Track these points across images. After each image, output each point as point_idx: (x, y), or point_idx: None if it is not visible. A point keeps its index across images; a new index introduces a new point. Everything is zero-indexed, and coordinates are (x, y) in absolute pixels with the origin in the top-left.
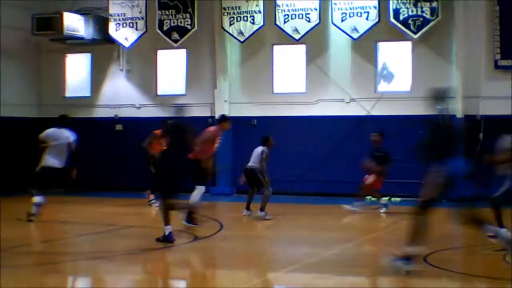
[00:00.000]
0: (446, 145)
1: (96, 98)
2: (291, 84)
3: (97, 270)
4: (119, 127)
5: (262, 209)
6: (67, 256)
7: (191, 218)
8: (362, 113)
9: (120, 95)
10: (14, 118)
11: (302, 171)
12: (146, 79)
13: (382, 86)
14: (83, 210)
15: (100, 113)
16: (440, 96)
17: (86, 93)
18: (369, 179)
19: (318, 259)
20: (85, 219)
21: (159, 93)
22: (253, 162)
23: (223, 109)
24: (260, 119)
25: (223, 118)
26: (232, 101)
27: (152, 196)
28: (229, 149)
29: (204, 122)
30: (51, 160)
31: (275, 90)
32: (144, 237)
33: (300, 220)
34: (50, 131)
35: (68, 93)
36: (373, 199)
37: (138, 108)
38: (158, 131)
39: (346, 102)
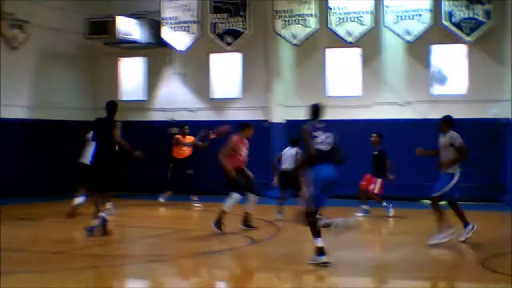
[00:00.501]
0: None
1: (152, 102)
2: (345, 87)
3: (154, 273)
4: (174, 130)
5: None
6: (125, 259)
7: (247, 222)
8: (417, 116)
9: (175, 99)
10: (68, 121)
11: (357, 174)
12: (200, 82)
13: (437, 89)
14: (139, 212)
15: (155, 116)
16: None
17: (141, 96)
18: (375, 184)
19: (377, 263)
20: (141, 221)
21: (213, 96)
22: (289, 164)
23: (277, 112)
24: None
25: (244, 125)
26: (286, 104)
27: (195, 197)
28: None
29: (259, 125)
30: None
31: (329, 93)
32: (200, 239)
33: (362, 224)
34: None
35: (123, 97)
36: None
37: (193, 111)
38: (179, 136)
39: (400, 105)
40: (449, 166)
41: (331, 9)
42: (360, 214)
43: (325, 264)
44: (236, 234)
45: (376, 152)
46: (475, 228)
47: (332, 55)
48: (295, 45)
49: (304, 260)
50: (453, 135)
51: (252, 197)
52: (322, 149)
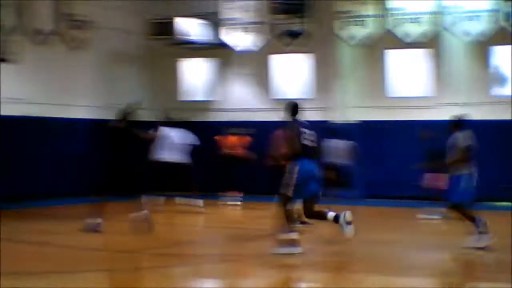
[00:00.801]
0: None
1: (212, 102)
2: (405, 88)
3: (228, 273)
4: (234, 130)
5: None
6: (200, 259)
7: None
8: (477, 117)
9: (236, 99)
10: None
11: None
12: (260, 83)
13: (497, 90)
14: (211, 212)
15: (216, 117)
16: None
17: (202, 97)
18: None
19: (451, 264)
20: (213, 221)
21: (273, 97)
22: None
23: (339, 113)
24: (376, 123)
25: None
26: (347, 105)
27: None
28: None
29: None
30: None
31: (390, 94)
32: (255, 240)
33: (432, 225)
34: None
35: (184, 97)
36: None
37: (254, 111)
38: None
39: (461, 106)
40: (452, 168)
41: (390, 10)
42: (432, 216)
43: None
44: (313, 234)
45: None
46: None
47: (393, 56)
48: (355, 46)
49: (383, 262)
50: (456, 136)
51: None
52: (308, 145)
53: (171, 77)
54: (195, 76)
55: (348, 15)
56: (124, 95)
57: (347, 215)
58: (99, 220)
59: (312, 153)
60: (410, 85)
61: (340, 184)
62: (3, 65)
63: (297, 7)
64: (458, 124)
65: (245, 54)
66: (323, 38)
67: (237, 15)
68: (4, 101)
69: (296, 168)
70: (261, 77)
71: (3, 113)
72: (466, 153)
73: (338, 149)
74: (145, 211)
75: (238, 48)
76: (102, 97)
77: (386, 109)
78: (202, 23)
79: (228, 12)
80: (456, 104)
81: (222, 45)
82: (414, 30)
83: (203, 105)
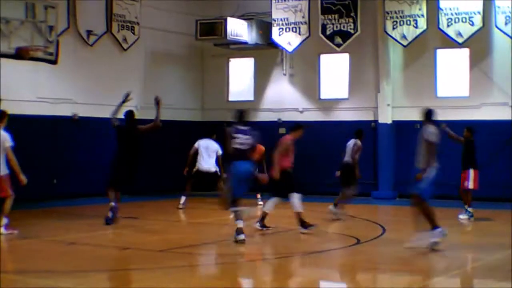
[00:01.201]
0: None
1: (260, 102)
2: (454, 88)
3: (258, 272)
4: (282, 130)
5: (336, 205)
6: (228, 258)
7: (304, 222)
8: None
9: (283, 99)
10: (178, 121)
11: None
12: (308, 83)
13: None
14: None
15: (263, 117)
16: None
17: (250, 97)
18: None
19: (481, 264)
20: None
21: (321, 97)
22: (347, 156)
23: (386, 113)
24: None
25: (297, 126)
26: (395, 105)
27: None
28: (392, 154)
29: (367, 126)
30: None
31: (439, 94)
32: (306, 240)
33: (464, 225)
34: None
35: (231, 97)
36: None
37: (301, 112)
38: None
39: (510, 106)
40: (421, 161)
41: (442, 10)
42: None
43: (242, 242)
44: (340, 234)
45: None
46: (445, 234)
47: (442, 55)
48: (405, 46)
49: (413, 262)
50: (425, 128)
51: (296, 196)
52: (240, 148)
53: (219, 78)
54: (243, 76)
55: (399, 15)
56: (172, 95)
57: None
58: None
59: (245, 155)
60: (458, 85)
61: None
62: (52, 66)
63: (347, 7)
64: (427, 116)
65: (294, 54)
66: (373, 38)
67: (288, 15)
68: (53, 101)
69: (230, 171)
70: (309, 77)
71: (56, 113)
72: (433, 147)
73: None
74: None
75: (288, 48)
76: (149, 97)
77: (434, 109)
78: (251, 23)
79: (279, 12)
80: (504, 104)
81: (271, 45)
82: (465, 29)
83: (249, 105)
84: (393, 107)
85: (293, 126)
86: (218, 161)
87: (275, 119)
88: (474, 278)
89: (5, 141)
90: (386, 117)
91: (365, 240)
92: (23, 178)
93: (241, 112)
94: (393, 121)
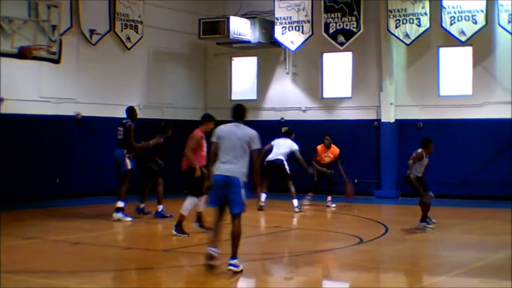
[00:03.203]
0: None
1: (262, 101)
2: (457, 87)
3: (263, 271)
4: (284, 129)
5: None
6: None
7: (202, 222)
8: None
9: (286, 98)
10: (181, 121)
11: (467, 174)
12: (311, 82)
13: None
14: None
15: (266, 115)
16: None
17: (252, 96)
18: None
19: (485, 263)
20: (250, 220)
21: (324, 96)
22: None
23: (388, 112)
24: (426, 122)
25: (206, 117)
26: (397, 104)
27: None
28: (395, 153)
29: (370, 125)
30: None
31: (441, 93)
32: (309, 239)
33: (467, 224)
34: None
35: (234, 96)
36: None
37: (304, 111)
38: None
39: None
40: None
41: (445, 8)
42: None
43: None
44: (343, 233)
45: None
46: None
47: (445, 54)
48: (408, 44)
49: (416, 261)
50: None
51: (191, 198)
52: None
53: (222, 77)
54: (245, 75)
55: (402, 13)
56: (174, 94)
57: None
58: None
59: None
60: (461, 83)
61: None
62: (55, 65)
63: (350, 6)
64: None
65: (297, 53)
66: (376, 37)
67: (291, 14)
68: (57, 101)
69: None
70: (312, 76)
71: (59, 113)
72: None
73: None
74: None
75: (290, 47)
76: (152, 96)
77: (437, 107)
78: (254, 22)
79: (282, 11)
80: (507, 103)
81: (274, 44)
82: (468, 28)
83: (252, 104)
84: (396, 106)
85: (202, 117)
86: None
87: (278, 118)
88: (477, 277)
89: None
90: (389, 116)
91: (368, 239)
92: None
93: (130, 109)
94: (396, 120)
